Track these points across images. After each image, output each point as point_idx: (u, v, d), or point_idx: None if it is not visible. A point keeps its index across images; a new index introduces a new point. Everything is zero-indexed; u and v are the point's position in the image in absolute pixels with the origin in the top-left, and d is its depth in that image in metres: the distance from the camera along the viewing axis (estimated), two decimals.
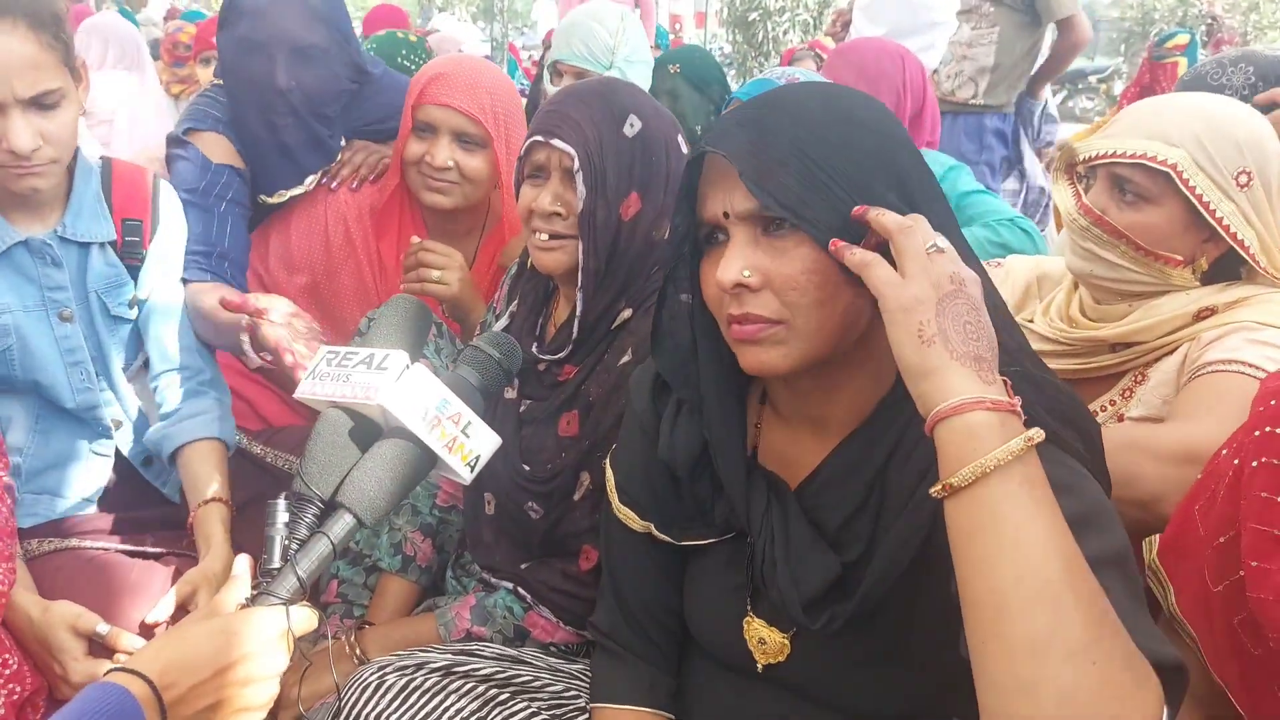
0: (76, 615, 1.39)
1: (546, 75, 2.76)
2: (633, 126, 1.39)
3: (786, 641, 1.08)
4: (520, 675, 1.33)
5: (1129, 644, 0.76)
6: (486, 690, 1.28)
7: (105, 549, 1.61)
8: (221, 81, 2.08)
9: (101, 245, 1.65)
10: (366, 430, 1.02)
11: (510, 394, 1.55)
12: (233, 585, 0.94)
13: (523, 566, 1.50)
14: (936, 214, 0.95)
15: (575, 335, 1.45)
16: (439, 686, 1.26)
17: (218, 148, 1.98)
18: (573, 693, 1.34)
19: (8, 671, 1.32)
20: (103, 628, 1.39)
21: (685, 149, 1.46)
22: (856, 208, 0.91)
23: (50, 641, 1.37)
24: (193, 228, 1.85)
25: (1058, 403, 0.96)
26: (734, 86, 2.96)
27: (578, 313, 1.43)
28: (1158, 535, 1.19)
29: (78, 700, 0.80)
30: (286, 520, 0.94)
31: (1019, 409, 0.83)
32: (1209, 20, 9.23)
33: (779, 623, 1.09)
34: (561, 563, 1.47)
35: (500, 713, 1.25)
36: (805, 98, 0.98)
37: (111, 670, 0.84)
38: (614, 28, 2.60)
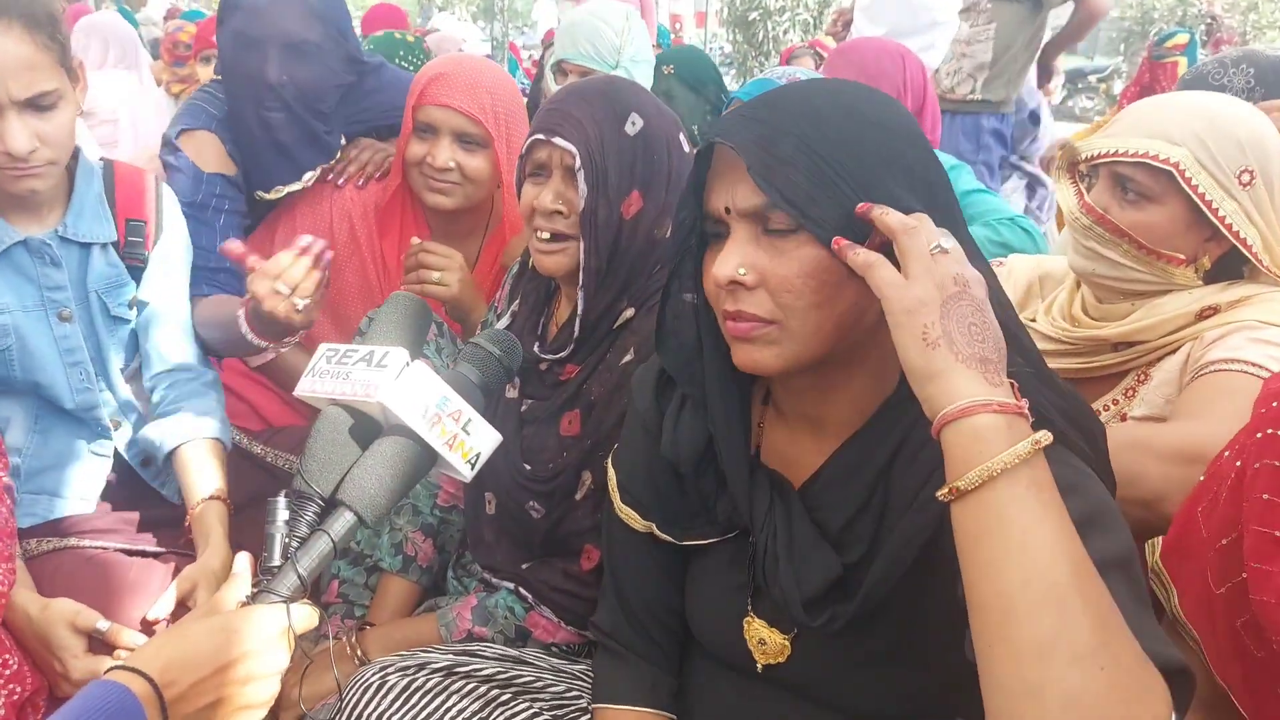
0: (76, 612, 1.38)
1: (550, 75, 2.75)
2: (634, 125, 1.39)
3: (787, 643, 1.08)
4: (522, 676, 1.33)
5: (1136, 648, 0.75)
6: (488, 691, 1.28)
7: (104, 548, 1.60)
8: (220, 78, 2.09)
9: (103, 246, 1.64)
10: (367, 428, 1.01)
11: (512, 393, 1.54)
12: (233, 583, 0.93)
13: (524, 566, 1.50)
14: (946, 211, 0.94)
15: (576, 334, 1.45)
16: (441, 687, 1.25)
17: (209, 152, 1.99)
18: (574, 693, 1.34)
19: (7, 672, 1.32)
20: (103, 624, 1.38)
21: (687, 148, 1.46)
22: (860, 205, 0.91)
23: (50, 639, 1.37)
24: (195, 242, 1.86)
25: (1063, 402, 0.95)
26: (734, 86, 2.96)
27: (579, 312, 1.43)
28: (1160, 537, 1.19)
29: (78, 699, 0.80)
30: (287, 518, 0.94)
31: (1026, 411, 0.82)
32: (1208, 20, 9.23)
33: (780, 624, 1.08)
34: (563, 562, 1.47)
35: (502, 713, 1.25)
36: (815, 94, 0.98)
37: (112, 668, 0.83)
38: (620, 27, 2.60)
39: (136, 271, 1.69)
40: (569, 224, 1.41)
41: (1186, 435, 1.25)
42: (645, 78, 2.66)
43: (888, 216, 0.89)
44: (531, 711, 1.27)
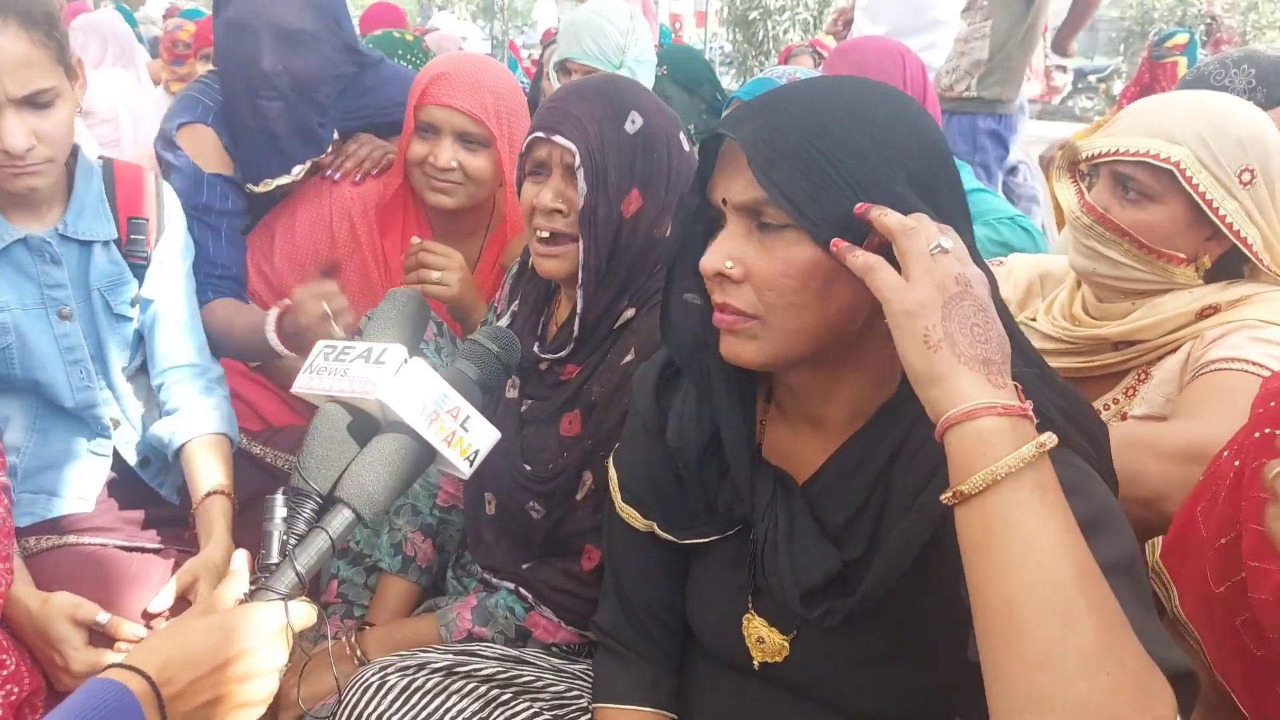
0: (75, 605, 1.38)
1: (552, 73, 2.75)
2: (634, 123, 1.39)
3: (785, 643, 1.08)
4: (522, 675, 1.33)
5: (1141, 652, 0.75)
6: (488, 691, 1.27)
7: (104, 545, 1.60)
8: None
9: (105, 243, 1.64)
10: (365, 425, 1.01)
11: (512, 393, 1.54)
12: (231, 580, 0.93)
13: (524, 566, 1.50)
14: (951, 209, 0.93)
15: (576, 334, 1.44)
16: (440, 687, 1.25)
17: (207, 149, 1.98)
18: (575, 693, 1.34)
19: (5, 672, 1.32)
20: (103, 617, 1.39)
21: (687, 147, 1.46)
22: (858, 205, 0.90)
23: (50, 632, 1.37)
24: (201, 247, 1.86)
25: (1065, 402, 0.95)
26: (735, 86, 2.95)
27: (578, 311, 1.43)
28: (1161, 537, 1.19)
29: (76, 697, 0.79)
30: (285, 515, 0.94)
31: (1030, 413, 0.82)
32: (1208, 20, 9.23)
33: (779, 623, 1.08)
34: (563, 562, 1.46)
35: (502, 713, 1.24)
36: (822, 91, 0.97)
37: (110, 667, 0.83)
38: (624, 27, 2.59)
39: (139, 269, 1.69)
40: (568, 222, 1.41)
41: (1187, 434, 1.25)
42: (648, 78, 2.66)
43: (886, 217, 0.88)
44: (532, 711, 1.26)
